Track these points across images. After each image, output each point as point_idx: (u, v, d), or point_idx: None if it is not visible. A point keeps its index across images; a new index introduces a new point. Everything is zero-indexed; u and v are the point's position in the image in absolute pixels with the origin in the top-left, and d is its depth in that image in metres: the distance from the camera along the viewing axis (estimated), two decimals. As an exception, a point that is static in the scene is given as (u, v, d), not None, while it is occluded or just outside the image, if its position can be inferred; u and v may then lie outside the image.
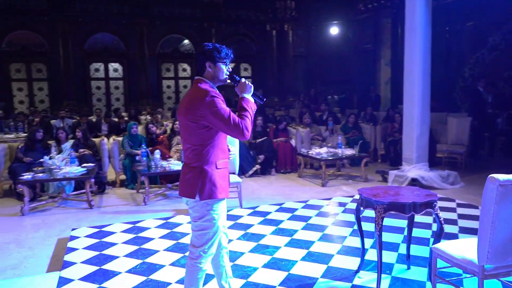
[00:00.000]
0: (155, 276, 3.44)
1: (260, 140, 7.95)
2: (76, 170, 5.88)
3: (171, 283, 3.31)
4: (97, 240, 4.31)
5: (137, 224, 4.81)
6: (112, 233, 4.54)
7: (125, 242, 4.24)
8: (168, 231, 4.57)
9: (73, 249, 4.08)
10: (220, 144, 2.54)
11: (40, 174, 5.70)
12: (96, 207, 5.76)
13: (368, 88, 13.92)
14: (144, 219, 5.01)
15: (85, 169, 6.04)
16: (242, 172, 7.52)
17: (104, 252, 4.00)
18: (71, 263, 3.74)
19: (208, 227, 2.51)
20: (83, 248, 4.10)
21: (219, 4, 15.64)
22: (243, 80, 2.60)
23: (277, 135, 8.28)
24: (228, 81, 2.60)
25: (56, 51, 13.90)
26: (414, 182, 6.44)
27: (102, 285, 3.31)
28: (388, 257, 3.72)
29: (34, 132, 6.70)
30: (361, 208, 3.28)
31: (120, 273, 3.53)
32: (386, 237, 4.19)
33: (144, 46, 14.84)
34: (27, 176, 5.58)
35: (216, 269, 2.81)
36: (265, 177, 7.58)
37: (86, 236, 4.44)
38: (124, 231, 4.59)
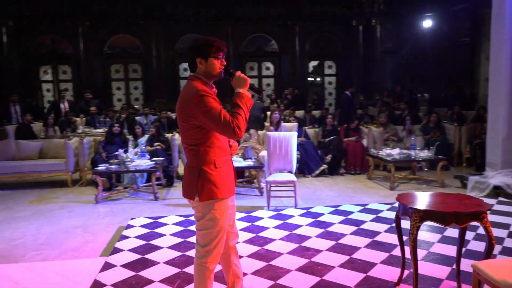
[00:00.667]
0: (189, 269, 3.51)
1: (329, 139, 7.71)
2: (145, 163, 6.27)
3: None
4: (148, 230, 4.55)
5: (190, 218, 4.96)
6: (164, 224, 4.75)
7: (172, 234, 4.41)
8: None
9: (126, 237, 4.35)
10: (218, 143, 2.43)
11: (114, 166, 6.18)
12: (161, 199, 6.07)
13: (463, 85, 12.72)
14: (190, 214, 5.14)
15: (154, 162, 6.41)
16: (308, 171, 7.38)
17: (151, 242, 4.19)
18: (120, 250, 3.99)
19: (211, 227, 2.44)
20: (134, 237, 4.35)
21: (302, 1, 15.50)
22: (237, 73, 2.44)
23: (349, 134, 7.96)
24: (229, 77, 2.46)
25: (149, 53, 14.98)
26: (497, 190, 5.75)
27: (139, 273, 3.48)
28: (439, 272, 3.35)
29: (111, 127, 7.29)
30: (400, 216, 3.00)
31: (158, 263, 3.67)
32: (442, 248, 3.78)
33: (229, 46, 15.29)
34: (101, 167, 6.09)
35: (225, 268, 2.78)
36: (333, 177, 7.33)
37: (141, 226, 4.70)
38: (176, 224, 4.77)
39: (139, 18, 14.63)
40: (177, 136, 7.32)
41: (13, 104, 9.52)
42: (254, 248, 3.97)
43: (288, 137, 5.59)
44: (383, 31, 16.09)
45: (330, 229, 4.47)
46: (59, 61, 14.75)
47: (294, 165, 5.59)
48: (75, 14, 14.07)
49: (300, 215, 4.99)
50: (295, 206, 5.35)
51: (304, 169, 7.42)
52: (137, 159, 6.41)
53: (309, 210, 5.19)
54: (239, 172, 6.92)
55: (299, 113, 10.58)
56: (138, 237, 4.36)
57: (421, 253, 3.65)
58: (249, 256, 3.80)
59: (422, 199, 2.92)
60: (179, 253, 3.88)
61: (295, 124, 7.54)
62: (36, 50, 14.42)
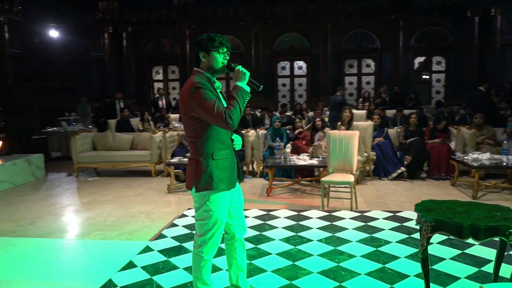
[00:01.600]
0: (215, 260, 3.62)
1: (410, 140, 7.15)
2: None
3: (222, 270, 3.43)
4: (197, 221, 4.77)
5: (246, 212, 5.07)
6: (215, 216, 4.94)
7: (216, 226, 4.57)
8: (259, 222, 4.68)
9: (175, 225, 4.64)
10: (217, 135, 2.49)
11: (185, 159, 6.59)
12: (227, 192, 6.29)
13: None
14: (249, 209, 5.24)
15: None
16: (384, 173, 6.96)
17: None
18: (164, 236, 4.28)
19: (206, 218, 2.52)
20: (182, 226, 4.62)
21: (408, -7, 14.53)
22: (237, 67, 2.50)
23: (435, 135, 7.28)
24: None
25: (249, 52, 15.51)
26: None
27: (169, 258, 3.70)
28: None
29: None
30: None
31: (191, 252, 3.85)
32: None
33: (328, 43, 15.06)
34: (174, 160, 6.55)
35: (229, 259, 2.83)
36: (412, 181, 6.79)
37: (193, 216, 4.96)
38: (225, 217, 4.93)
39: (240, 19, 15.25)
40: (250, 133, 7.50)
41: (118, 101, 10.73)
42: (286, 247, 3.92)
43: (349, 136, 5.35)
44: (504, 22, 14.26)
45: (376, 235, 4.19)
46: (169, 62, 16.13)
47: (355, 165, 5.34)
48: (183, 18, 15.22)
49: (352, 218, 4.76)
50: (350, 209, 5.11)
51: (380, 171, 7.01)
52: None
53: (365, 214, 4.91)
54: (309, 171, 6.84)
55: (391, 112, 9.98)
56: (185, 226, 4.61)
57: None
58: (277, 254, 3.76)
59: (441, 207, 2.59)
60: (214, 244, 4.02)
61: (370, 123, 7.14)
62: (149, 53, 15.97)
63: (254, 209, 5.24)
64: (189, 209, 5.34)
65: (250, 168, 7.68)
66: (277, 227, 4.48)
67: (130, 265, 3.57)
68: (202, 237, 2.56)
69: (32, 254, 3.91)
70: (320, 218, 4.80)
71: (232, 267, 2.83)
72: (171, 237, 4.26)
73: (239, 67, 2.51)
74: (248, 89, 2.49)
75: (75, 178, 7.57)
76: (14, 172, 6.92)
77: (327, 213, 4.97)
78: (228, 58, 2.55)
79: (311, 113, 10.80)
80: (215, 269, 3.37)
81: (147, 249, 3.93)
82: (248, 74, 2.50)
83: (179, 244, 4.06)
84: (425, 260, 2.49)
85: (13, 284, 3.29)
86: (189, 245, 4.02)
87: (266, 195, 6.07)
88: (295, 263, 3.55)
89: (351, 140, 5.31)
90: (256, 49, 15.36)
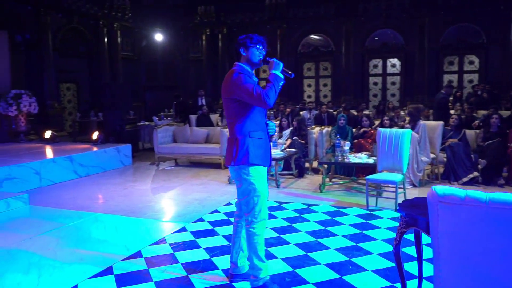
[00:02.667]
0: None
1: (488, 142, 6.54)
2: (275, 152, 6.77)
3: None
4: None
5: (283, 205, 5.23)
6: (256, 207, 5.17)
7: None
8: (294, 215, 4.78)
9: (216, 212, 4.99)
10: (254, 117, 2.83)
11: (247, 153, 6.92)
12: (282, 187, 6.48)
13: None
14: (291, 202, 5.35)
15: (285, 153, 6.86)
16: (454, 177, 6.48)
17: (231, 218, 4.69)
18: (201, 220, 4.65)
19: (250, 192, 2.82)
20: (223, 213, 4.94)
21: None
22: (272, 59, 2.83)
23: (519, 138, 6.55)
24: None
25: (339, 50, 15.35)
26: None
27: (197, 239, 4.04)
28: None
29: (261, 119, 8.07)
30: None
31: (218, 235, 4.15)
32: None
33: (425, 39, 14.21)
34: (235, 152, 6.92)
35: (233, 237, 3.08)
36: (486, 188, 6.22)
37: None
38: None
39: (330, 18, 15.16)
40: (315, 130, 7.55)
41: (200, 97, 11.51)
42: (307, 239, 4.00)
43: (399, 134, 5.16)
44: None
45: (407, 236, 4.02)
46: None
47: (405, 165, 5.12)
48: (275, 19, 15.63)
49: (390, 218, 4.61)
50: (395, 209, 4.93)
51: (449, 174, 6.55)
52: (272, 147, 6.97)
53: (407, 215, 4.71)
54: (370, 170, 6.67)
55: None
56: (226, 213, 4.93)
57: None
58: (295, 244, 3.87)
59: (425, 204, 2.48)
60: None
61: (439, 123, 6.67)
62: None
63: (298, 203, 5.35)
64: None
65: (314, 165, 7.72)
66: (309, 221, 4.56)
67: (161, 241, 3.99)
68: (250, 213, 2.85)
69: (89, 225, 4.57)
70: (358, 215, 4.74)
71: (235, 245, 3.08)
72: (208, 221, 4.60)
73: (274, 59, 2.84)
74: (282, 76, 2.79)
75: (156, 167, 8.41)
76: (104, 159, 7.95)
77: (367, 212, 4.88)
78: (264, 53, 2.90)
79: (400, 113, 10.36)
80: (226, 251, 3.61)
81: (181, 230, 4.33)
82: (281, 64, 2.82)
83: (212, 228, 4.39)
84: (398, 255, 2.43)
85: (60, 252, 3.93)
86: (220, 229, 4.33)
87: (319, 191, 6.11)
88: (308, 253, 3.63)
89: (402, 139, 5.11)
90: (346, 47, 15.14)
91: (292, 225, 4.44)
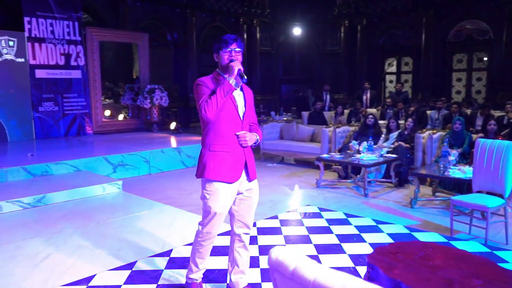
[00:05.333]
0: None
1: None
2: (368, 158, 6.14)
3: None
4: (298, 218, 4.72)
5: (350, 218, 4.68)
6: (318, 216, 4.75)
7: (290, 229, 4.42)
8: (350, 231, 4.22)
9: (275, 218, 4.75)
10: (217, 128, 2.67)
11: (338, 156, 6.43)
12: (371, 196, 5.83)
13: None
14: (361, 217, 4.74)
15: (381, 159, 6.15)
16: None
17: (277, 227, 4.41)
18: (253, 225, 4.49)
19: (204, 205, 2.75)
20: (281, 219, 4.68)
21: None
22: (232, 63, 2.62)
23: None
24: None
25: (499, 38, 12.98)
26: None
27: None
28: None
29: (365, 118, 7.37)
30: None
31: (257, 244, 3.95)
32: None
33: None
34: (324, 155, 6.48)
35: (229, 252, 2.95)
36: None
37: (303, 213, 4.92)
38: (310, 218, 4.66)
39: (488, 0, 12.91)
40: (424, 134, 6.55)
41: (325, 92, 11.08)
42: (345, 263, 3.49)
43: (504, 146, 4.07)
44: None
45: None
46: (402, 53, 15.28)
47: (508, 187, 4.03)
48: (420, 6, 14.08)
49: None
50: (485, 242, 3.93)
51: None
52: (366, 152, 6.35)
53: (496, 251, 3.71)
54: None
55: None
56: (282, 220, 4.65)
57: None
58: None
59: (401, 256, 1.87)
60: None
61: None
62: (382, 44, 15.55)
63: (368, 217, 4.73)
64: (308, 205, 5.29)
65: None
66: (362, 241, 3.97)
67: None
68: (201, 222, 2.81)
69: (155, 215, 4.85)
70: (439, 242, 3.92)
71: (229, 258, 2.96)
72: (259, 227, 4.42)
73: (233, 62, 2.63)
74: (235, 82, 2.60)
75: (260, 162, 8.48)
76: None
77: (446, 241, 4.00)
78: (232, 54, 2.66)
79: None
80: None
81: (226, 233, 4.24)
82: (237, 68, 2.60)
83: (255, 235, 4.20)
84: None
85: (108, 239, 4.26)
86: (264, 238, 4.11)
87: (410, 206, 5.30)
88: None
89: (506, 153, 4.03)
90: (509, 35, 12.70)
91: (341, 243, 3.94)
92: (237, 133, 2.69)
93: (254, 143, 2.81)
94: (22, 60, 9.00)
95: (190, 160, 7.97)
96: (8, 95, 8.85)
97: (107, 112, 11.16)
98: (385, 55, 15.66)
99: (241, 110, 2.73)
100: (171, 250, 3.81)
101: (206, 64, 14.87)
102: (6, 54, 8.81)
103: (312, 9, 16.08)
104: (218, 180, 2.67)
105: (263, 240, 4.08)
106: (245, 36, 15.54)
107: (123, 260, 3.61)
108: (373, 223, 4.52)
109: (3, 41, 8.75)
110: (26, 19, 9.00)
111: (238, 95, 2.74)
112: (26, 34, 9.00)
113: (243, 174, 2.77)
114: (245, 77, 2.62)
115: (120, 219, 4.70)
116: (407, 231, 4.26)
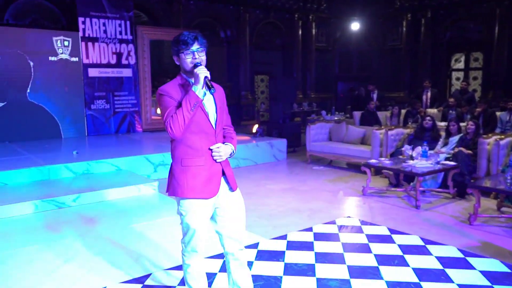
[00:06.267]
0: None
1: None
2: (421, 164, 5.51)
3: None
4: (330, 232, 4.26)
5: (394, 235, 4.13)
6: (359, 231, 4.26)
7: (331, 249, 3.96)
8: (393, 252, 3.70)
9: (309, 230, 4.33)
10: (187, 142, 2.34)
11: (388, 161, 5.84)
12: (424, 209, 5.20)
13: None
14: (405, 232, 4.17)
15: (437, 166, 5.49)
16: None
17: (310, 242, 3.99)
18: (283, 239, 4.10)
19: (181, 222, 2.47)
20: (316, 232, 4.25)
21: None
22: (196, 69, 2.25)
23: None
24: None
25: None
26: None
27: (255, 260, 3.57)
28: None
29: (422, 120, 6.68)
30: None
31: (283, 262, 3.57)
32: None
33: None
34: (373, 161, 5.92)
35: (227, 275, 2.63)
36: None
37: (344, 226, 4.45)
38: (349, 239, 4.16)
39: None
40: (490, 140, 5.76)
41: (372, 92, 10.34)
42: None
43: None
44: None
45: None
46: (472, 48, 13.99)
47: None
48: (493, -5, 12.79)
49: None
50: (557, 275, 3.25)
51: None
52: (420, 158, 5.71)
53: None
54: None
55: None
56: (317, 234, 4.22)
57: None
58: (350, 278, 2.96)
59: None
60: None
61: None
62: (449, 39, 14.34)
63: (415, 236, 4.15)
64: (349, 217, 4.81)
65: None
66: (405, 265, 3.44)
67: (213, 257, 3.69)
68: (182, 239, 2.52)
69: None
70: (485, 273, 3.31)
71: (229, 282, 2.63)
72: (289, 240, 4.04)
73: (197, 68, 2.25)
74: (202, 93, 2.25)
75: (306, 165, 8.04)
76: (256, 152, 8.06)
77: (509, 271, 3.36)
78: (195, 56, 2.30)
79: None
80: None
81: (252, 246, 3.91)
82: (204, 75, 2.23)
83: (282, 250, 3.81)
84: None
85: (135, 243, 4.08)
86: (292, 254, 3.72)
87: (468, 222, 4.64)
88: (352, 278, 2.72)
89: None
90: None
91: (379, 266, 3.44)
92: (210, 147, 2.37)
93: (230, 155, 2.46)
94: (76, 59, 9.27)
95: (233, 161, 7.72)
96: (62, 93, 9.15)
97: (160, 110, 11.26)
98: (452, 50, 14.45)
99: (212, 117, 2.38)
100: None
101: (259, 61, 14.64)
102: (61, 53, 9.11)
103: (372, 3, 15.21)
104: (195, 197, 2.36)
105: (291, 256, 3.68)
106: (300, 32, 15.09)
107: (138, 272, 3.40)
108: (421, 243, 3.96)
109: (58, 41, 9.05)
110: (80, 19, 9.24)
111: (207, 99, 2.36)
112: (80, 34, 9.25)
113: (223, 185, 2.45)
114: (213, 88, 2.25)
115: (145, 225, 4.53)
116: (461, 255, 3.66)
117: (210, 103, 2.39)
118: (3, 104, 8.49)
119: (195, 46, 2.29)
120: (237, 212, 2.51)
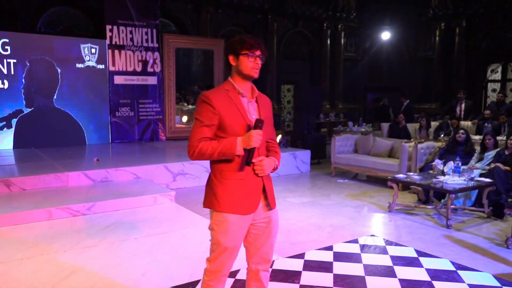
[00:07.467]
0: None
1: None
2: (453, 181, 5.13)
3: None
4: (352, 251, 3.96)
5: (422, 258, 3.79)
6: (384, 253, 3.94)
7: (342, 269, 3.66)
8: (420, 278, 3.36)
9: (329, 249, 4.04)
10: None
11: (417, 177, 5.49)
12: (455, 229, 4.82)
13: None
14: (434, 255, 3.82)
15: (471, 183, 5.11)
16: None
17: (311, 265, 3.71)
18: (300, 257, 3.84)
19: (212, 237, 2.28)
20: (336, 251, 3.96)
21: None
22: (254, 131, 2.10)
23: None
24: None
25: None
26: None
27: (269, 282, 3.33)
28: None
29: (455, 133, 6.29)
30: None
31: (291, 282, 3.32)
32: None
33: None
34: (400, 176, 5.57)
35: None
36: None
37: (367, 244, 4.15)
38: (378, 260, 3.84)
39: None
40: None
41: (405, 103, 9.94)
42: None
43: None
44: None
45: None
46: (510, 58, 13.33)
47: None
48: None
49: None
50: None
51: None
52: (452, 173, 5.34)
53: None
54: None
55: None
56: (337, 253, 3.93)
57: None
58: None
59: None
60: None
61: None
62: (485, 48, 13.73)
63: (446, 259, 3.80)
64: (372, 235, 4.49)
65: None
66: (435, 294, 3.12)
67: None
68: (208, 257, 2.31)
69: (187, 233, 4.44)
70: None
71: None
72: (307, 259, 3.77)
73: (253, 132, 2.10)
74: (239, 152, 2.12)
75: (330, 177, 7.74)
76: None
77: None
78: (259, 63, 2.17)
79: None
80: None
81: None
82: (255, 144, 2.10)
83: (299, 270, 3.55)
84: None
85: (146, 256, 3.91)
86: (308, 275, 3.46)
87: (506, 246, 4.24)
88: None
89: None
90: None
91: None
92: (253, 160, 2.17)
93: (272, 170, 2.24)
94: (102, 66, 9.33)
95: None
96: (88, 100, 9.21)
97: (185, 118, 11.16)
98: (488, 60, 13.82)
99: None
100: (198, 281, 3.33)
101: (286, 70, 14.43)
102: (88, 61, 9.19)
103: (403, 12, 14.79)
104: (230, 211, 2.18)
105: (307, 277, 3.41)
106: (328, 41, 14.82)
107: (145, 287, 3.22)
108: (452, 268, 3.61)
109: (86, 49, 9.14)
110: (108, 27, 9.32)
111: (253, 108, 2.21)
112: (108, 41, 9.32)
113: (262, 203, 2.26)
114: (249, 164, 2.12)
115: (159, 236, 4.36)
116: (497, 284, 3.30)
117: (255, 113, 2.23)
118: (30, 110, 8.61)
119: (259, 53, 2.15)
120: (273, 231, 2.33)
